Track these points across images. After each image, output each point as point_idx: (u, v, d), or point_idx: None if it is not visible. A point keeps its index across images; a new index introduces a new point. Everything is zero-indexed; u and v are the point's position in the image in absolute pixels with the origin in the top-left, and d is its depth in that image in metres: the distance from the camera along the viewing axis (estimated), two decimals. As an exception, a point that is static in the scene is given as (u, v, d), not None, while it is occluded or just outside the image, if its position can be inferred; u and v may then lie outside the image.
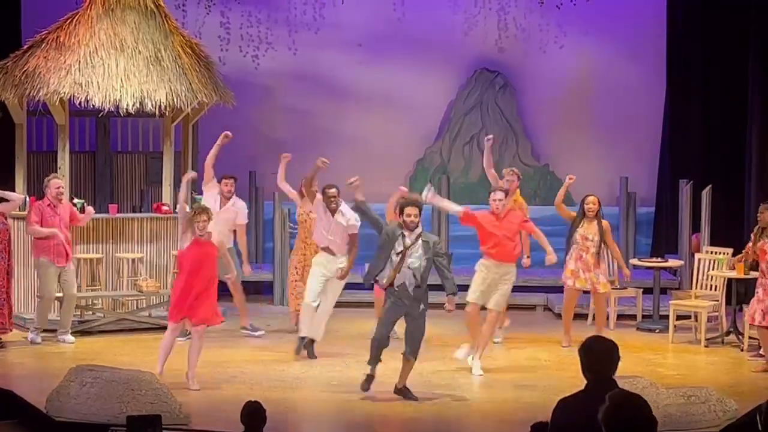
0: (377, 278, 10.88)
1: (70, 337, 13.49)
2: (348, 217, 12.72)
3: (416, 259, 10.67)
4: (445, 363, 12.39)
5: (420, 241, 10.70)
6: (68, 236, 13.48)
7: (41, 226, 13.25)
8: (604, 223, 13.57)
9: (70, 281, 13.48)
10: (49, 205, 13.38)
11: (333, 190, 12.85)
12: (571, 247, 13.59)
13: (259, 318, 14.78)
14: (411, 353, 10.82)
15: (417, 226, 10.74)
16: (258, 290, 17.05)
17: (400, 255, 10.64)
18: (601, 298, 13.62)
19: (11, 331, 13.26)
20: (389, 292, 10.74)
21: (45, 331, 13.49)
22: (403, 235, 10.70)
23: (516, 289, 14.37)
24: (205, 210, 11.21)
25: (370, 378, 10.84)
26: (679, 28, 17.82)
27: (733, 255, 14.37)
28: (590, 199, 13.62)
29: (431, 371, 11.68)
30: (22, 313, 13.98)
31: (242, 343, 13.63)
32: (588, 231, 13.43)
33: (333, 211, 12.75)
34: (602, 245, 13.54)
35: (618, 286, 15.08)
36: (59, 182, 13.53)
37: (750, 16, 16.74)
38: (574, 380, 6.05)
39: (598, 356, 5.92)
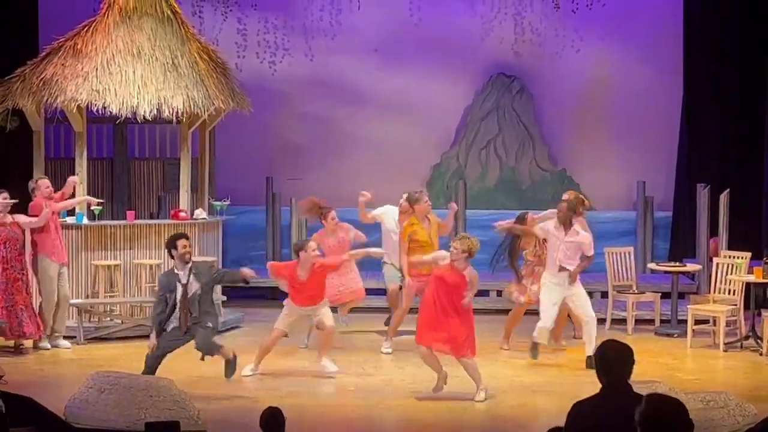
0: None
1: (65, 342, 13.54)
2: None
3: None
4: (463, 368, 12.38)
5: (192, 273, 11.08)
6: (61, 236, 13.61)
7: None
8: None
9: (64, 285, 13.56)
10: (43, 201, 13.44)
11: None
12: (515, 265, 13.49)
13: (273, 321, 14.79)
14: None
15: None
16: (275, 296, 17.06)
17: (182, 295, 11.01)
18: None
19: (39, 337, 13.35)
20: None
21: (65, 337, 13.59)
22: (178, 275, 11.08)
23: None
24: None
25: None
26: (696, 32, 17.78)
27: (752, 259, 14.33)
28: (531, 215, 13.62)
29: (449, 377, 11.63)
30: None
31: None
32: (534, 246, 13.41)
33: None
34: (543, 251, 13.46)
35: (635, 291, 15.06)
36: (47, 182, 13.65)
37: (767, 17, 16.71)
38: (592, 385, 6.05)
39: (613, 360, 5.92)
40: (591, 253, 12.73)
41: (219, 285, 11.61)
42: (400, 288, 14.01)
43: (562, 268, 12.61)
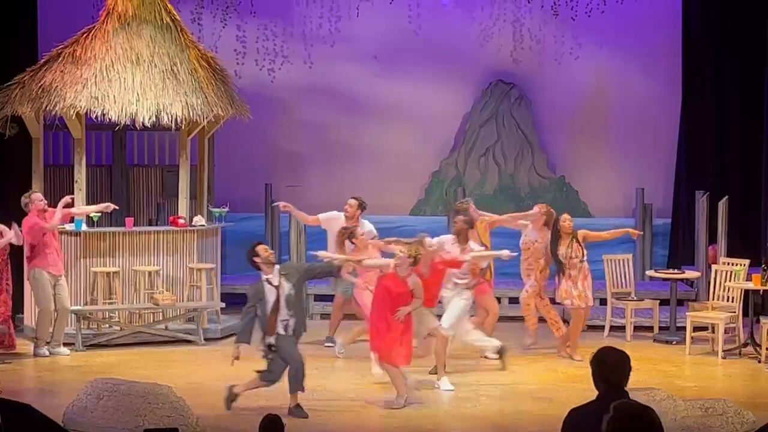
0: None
1: (64, 350, 13.55)
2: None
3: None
4: (463, 376, 12.39)
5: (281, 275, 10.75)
6: (59, 246, 13.59)
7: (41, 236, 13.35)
8: (580, 233, 13.50)
9: (63, 295, 13.56)
10: (38, 215, 13.43)
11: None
12: (560, 267, 13.46)
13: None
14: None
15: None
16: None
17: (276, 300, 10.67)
18: (585, 313, 13.63)
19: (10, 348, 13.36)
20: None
21: (65, 344, 13.60)
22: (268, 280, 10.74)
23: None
24: None
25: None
26: (695, 39, 17.81)
27: (750, 266, 14.33)
28: (565, 216, 13.58)
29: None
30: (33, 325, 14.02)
31: (259, 356, 13.61)
32: (570, 248, 13.38)
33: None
34: (585, 256, 13.50)
35: (634, 298, 15.06)
36: (41, 195, 13.67)
37: (767, 27, 16.71)
38: (590, 392, 6.05)
39: (610, 367, 5.93)
40: (484, 264, 12.74)
41: (311, 279, 11.23)
42: (346, 301, 14.03)
43: (456, 284, 12.51)
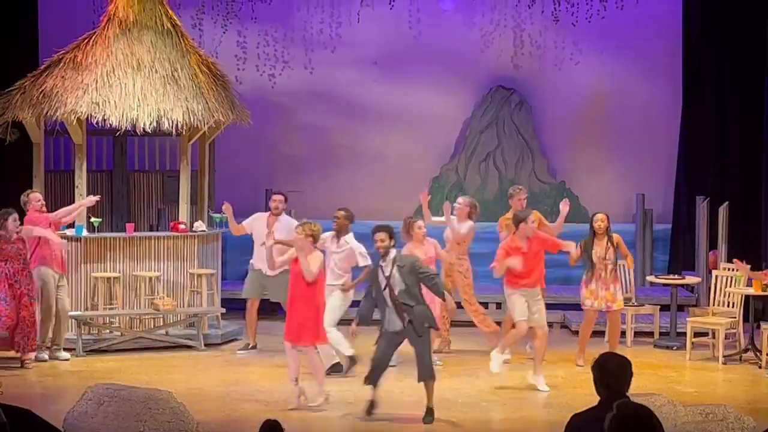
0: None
1: (64, 354, 13.56)
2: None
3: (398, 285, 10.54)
4: (462, 381, 12.39)
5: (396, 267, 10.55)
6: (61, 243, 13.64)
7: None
8: (615, 236, 13.50)
9: (63, 296, 13.59)
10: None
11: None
12: (588, 266, 13.39)
13: (273, 335, 14.80)
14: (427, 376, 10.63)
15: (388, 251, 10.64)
16: (274, 308, 17.05)
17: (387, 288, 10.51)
18: (615, 316, 13.55)
19: (33, 351, 13.31)
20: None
21: (65, 349, 13.59)
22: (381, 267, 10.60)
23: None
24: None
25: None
26: (695, 45, 17.82)
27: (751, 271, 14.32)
28: (599, 216, 13.54)
29: (448, 389, 11.65)
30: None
31: (260, 361, 13.64)
32: (603, 250, 13.33)
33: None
34: (617, 260, 13.49)
35: (634, 303, 15.06)
36: (39, 195, 13.67)
37: (767, 27, 16.72)
38: (591, 398, 6.06)
39: (612, 372, 5.94)
40: (363, 263, 12.59)
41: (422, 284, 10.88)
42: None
43: (329, 285, 12.36)
